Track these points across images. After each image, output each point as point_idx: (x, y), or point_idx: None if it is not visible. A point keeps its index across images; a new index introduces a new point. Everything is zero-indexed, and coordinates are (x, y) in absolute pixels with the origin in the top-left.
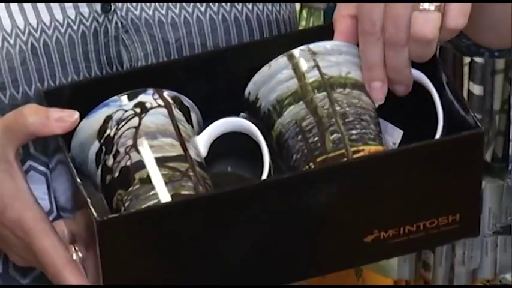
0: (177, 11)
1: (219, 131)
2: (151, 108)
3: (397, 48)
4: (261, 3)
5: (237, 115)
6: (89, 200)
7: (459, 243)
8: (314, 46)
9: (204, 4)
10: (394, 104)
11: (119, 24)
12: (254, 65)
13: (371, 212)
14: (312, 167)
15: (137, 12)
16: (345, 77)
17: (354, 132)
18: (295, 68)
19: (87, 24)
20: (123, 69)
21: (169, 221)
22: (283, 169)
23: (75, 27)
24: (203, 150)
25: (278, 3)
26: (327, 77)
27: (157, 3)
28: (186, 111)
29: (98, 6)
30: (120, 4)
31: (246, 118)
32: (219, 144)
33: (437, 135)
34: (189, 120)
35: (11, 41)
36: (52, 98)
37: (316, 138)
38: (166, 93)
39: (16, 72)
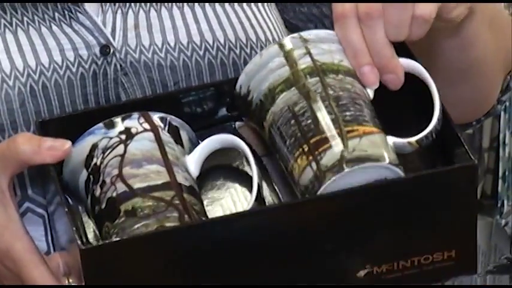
0: (176, 54)
1: (209, 149)
2: (137, 133)
3: (371, 22)
4: (259, 48)
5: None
6: (74, 228)
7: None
8: (306, 34)
9: (203, 48)
10: (387, 101)
11: (118, 67)
12: None
13: (363, 246)
14: (306, 149)
15: (136, 55)
16: (338, 64)
17: (348, 113)
18: (287, 55)
19: (86, 66)
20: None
21: (150, 250)
22: (277, 159)
23: (74, 70)
24: (194, 170)
25: None
26: (319, 63)
27: (155, 47)
28: (174, 132)
29: (96, 49)
30: (119, 47)
31: (241, 127)
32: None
33: (432, 124)
34: (178, 141)
35: (10, 83)
36: (47, 127)
37: (309, 121)
38: (152, 116)
39: (15, 114)
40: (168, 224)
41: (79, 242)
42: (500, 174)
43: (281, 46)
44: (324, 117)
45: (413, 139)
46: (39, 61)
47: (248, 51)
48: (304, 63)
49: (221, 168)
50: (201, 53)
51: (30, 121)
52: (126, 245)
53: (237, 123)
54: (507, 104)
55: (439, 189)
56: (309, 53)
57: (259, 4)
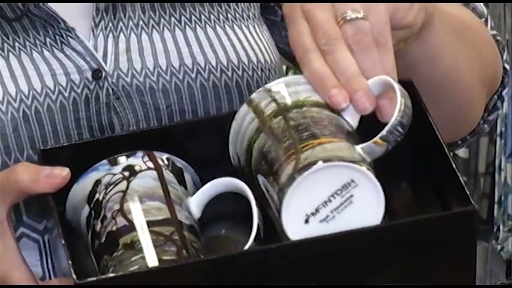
0: (167, 77)
1: (213, 192)
2: (140, 171)
3: (332, 53)
4: (251, 70)
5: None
6: (70, 262)
7: None
8: (271, 84)
9: (195, 71)
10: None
11: (110, 91)
12: None
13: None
14: (271, 180)
15: (128, 79)
16: (303, 100)
17: (305, 133)
18: (255, 109)
19: (78, 91)
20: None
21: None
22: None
23: (66, 94)
24: (196, 212)
25: (267, 70)
26: (283, 105)
27: (147, 70)
28: (178, 173)
29: (88, 74)
30: (111, 71)
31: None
32: (214, 205)
33: (393, 117)
34: (181, 182)
35: (3, 108)
36: (48, 158)
37: (272, 154)
38: (157, 155)
39: (8, 139)
40: (165, 258)
41: (74, 276)
42: (496, 199)
43: (249, 103)
44: (282, 146)
45: (377, 137)
46: (31, 86)
47: (240, 73)
48: (269, 109)
49: (224, 217)
50: (193, 76)
51: (23, 146)
52: (121, 280)
53: None
54: (503, 129)
55: (438, 233)
56: (274, 100)
57: (251, 26)
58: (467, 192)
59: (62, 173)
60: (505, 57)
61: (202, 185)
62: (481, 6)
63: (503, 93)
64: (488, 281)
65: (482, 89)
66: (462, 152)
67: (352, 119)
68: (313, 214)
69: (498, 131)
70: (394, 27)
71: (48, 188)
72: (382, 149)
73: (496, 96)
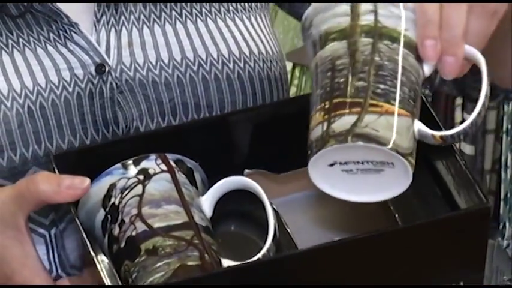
0: (170, 71)
1: (223, 190)
2: (155, 174)
3: (455, 2)
4: (253, 61)
5: (242, 171)
6: (99, 265)
7: None
8: None
9: (197, 64)
10: None
11: (114, 85)
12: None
13: (375, 282)
14: (327, 106)
15: (131, 73)
16: (400, 31)
17: (381, 86)
18: (354, 6)
19: (82, 86)
20: (119, 129)
21: None
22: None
23: (70, 89)
24: (208, 211)
25: (269, 61)
26: (380, 26)
27: (150, 64)
28: (189, 173)
29: (92, 68)
30: (114, 65)
31: (249, 175)
32: (222, 202)
33: (465, 124)
34: (192, 182)
35: (8, 104)
36: (61, 161)
37: (342, 80)
38: (169, 158)
39: (13, 135)
40: (189, 263)
41: (108, 280)
42: (502, 196)
43: None
44: (356, 82)
45: (438, 133)
46: (36, 82)
47: (242, 65)
48: (365, 20)
49: (232, 214)
50: (195, 68)
51: (28, 141)
52: None
53: (246, 171)
54: (509, 126)
55: (452, 232)
56: (375, 12)
57: (252, 17)
58: (481, 189)
59: (83, 184)
60: None
61: (209, 183)
62: None
63: None
64: (494, 279)
65: None
66: (468, 149)
67: (428, 69)
68: (340, 163)
69: (504, 128)
70: None
71: (70, 199)
72: (434, 143)
73: None
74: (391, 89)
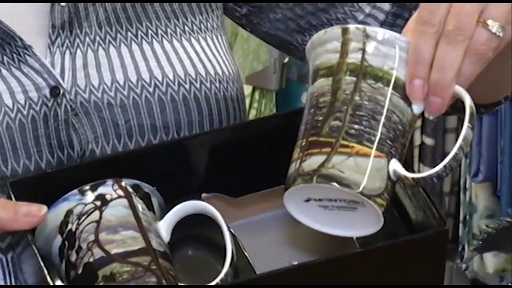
0: (125, 92)
1: (181, 215)
2: (112, 200)
3: (453, 43)
4: (209, 82)
5: (199, 195)
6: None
7: None
8: (371, 29)
9: (152, 85)
10: None
11: (68, 107)
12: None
13: None
14: (303, 144)
15: (86, 95)
16: (385, 71)
17: (355, 126)
18: (344, 43)
19: (37, 108)
20: (74, 152)
21: None
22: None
23: (25, 112)
24: (166, 236)
25: (225, 81)
26: (366, 64)
27: (105, 86)
28: (146, 198)
29: (46, 91)
30: (68, 87)
31: (207, 199)
32: (179, 226)
33: (439, 167)
34: (150, 207)
35: None
36: (17, 187)
37: (320, 118)
38: (125, 183)
39: None
40: None
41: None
42: (461, 218)
43: (344, 32)
44: (332, 122)
45: (411, 175)
46: None
47: (198, 85)
48: (353, 58)
49: (189, 238)
50: (151, 90)
51: None
52: None
53: (204, 195)
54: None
55: (410, 255)
56: (362, 50)
57: (208, 38)
58: (439, 212)
59: (40, 211)
60: None
61: (167, 207)
62: None
63: None
64: None
65: None
66: (429, 141)
67: (418, 108)
68: (315, 200)
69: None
70: None
71: (27, 226)
72: (408, 183)
73: None
74: (366, 130)
